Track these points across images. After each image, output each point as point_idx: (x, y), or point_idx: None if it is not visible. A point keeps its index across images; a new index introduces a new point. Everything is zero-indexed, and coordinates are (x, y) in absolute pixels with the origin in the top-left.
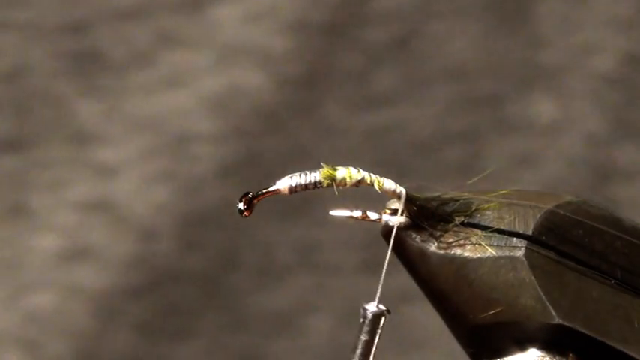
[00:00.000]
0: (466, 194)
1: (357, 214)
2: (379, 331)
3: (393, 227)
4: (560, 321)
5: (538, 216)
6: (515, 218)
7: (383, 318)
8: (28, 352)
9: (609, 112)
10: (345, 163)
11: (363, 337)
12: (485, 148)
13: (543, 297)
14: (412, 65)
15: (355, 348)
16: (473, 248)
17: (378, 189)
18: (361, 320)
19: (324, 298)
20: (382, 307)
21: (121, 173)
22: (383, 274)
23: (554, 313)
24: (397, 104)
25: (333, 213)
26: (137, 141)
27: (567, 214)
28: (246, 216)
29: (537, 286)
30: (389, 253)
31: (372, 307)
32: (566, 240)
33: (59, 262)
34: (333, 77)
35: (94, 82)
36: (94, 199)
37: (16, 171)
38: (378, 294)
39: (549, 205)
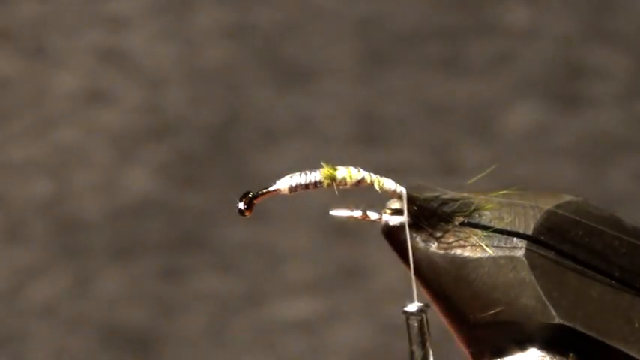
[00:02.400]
0: (466, 194)
1: (358, 213)
2: (426, 327)
3: (393, 227)
4: (561, 321)
5: (538, 216)
6: (515, 218)
7: (424, 314)
8: (55, 180)
9: (581, 15)
10: (334, 47)
11: (415, 339)
12: (464, 46)
13: (543, 297)
14: None
15: (412, 353)
16: (473, 248)
17: (378, 189)
18: (407, 324)
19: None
20: (419, 304)
21: (132, 26)
22: (412, 273)
23: (554, 313)
24: None
25: (333, 213)
26: None
27: (567, 214)
28: (246, 216)
29: (537, 286)
30: (410, 255)
31: (412, 308)
32: (566, 240)
33: (79, 102)
34: None
35: None
36: (108, 47)
37: (37, 15)
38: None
39: (549, 205)
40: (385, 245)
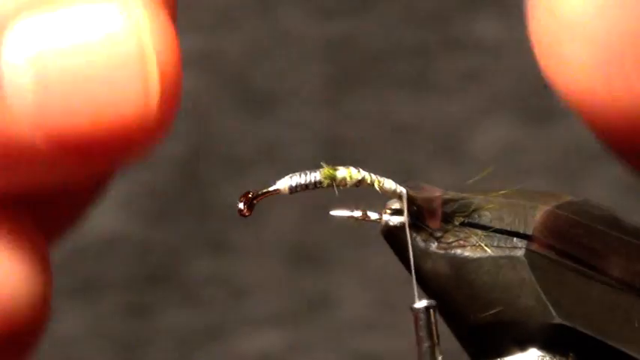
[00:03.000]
0: (466, 194)
1: (357, 214)
2: (434, 324)
3: (393, 227)
4: (560, 321)
5: (538, 216)
6: (515, 218)
7: (432, 310)
8: None
9: None
10: (301, 70)
11: (422, 336)
12: (434, 63)
13: (543, 297)
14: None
15: (420, 353)
16: (473, 248)
17: (378, 189)
18: (414, 321)
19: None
20: (427, 301)
21: None
22: (413, 272)
23: (554, 313)
24: (347, 18)
25: (333, 213)
26: None
27: (567, 214)
28: (246, 215)
29: (537, 286)
30: (411, 252)
31: (419, 305)
32: (567, 240)
33: None
34: None
35: None
36: None
37: None
38: (415, 291)
39: (549, 205)
40: (351, 274)
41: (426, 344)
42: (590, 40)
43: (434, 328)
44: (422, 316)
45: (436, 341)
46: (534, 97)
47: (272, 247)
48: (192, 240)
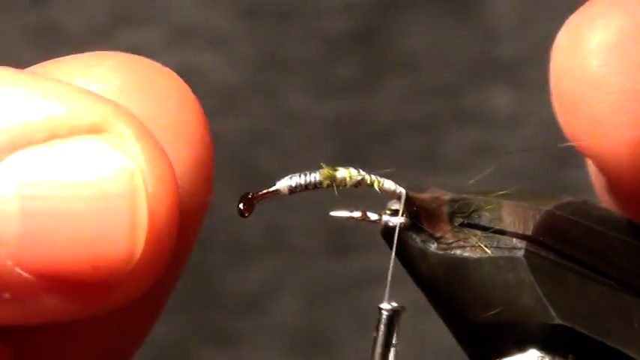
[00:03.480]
0: (465, 195)
1: (357, 214)
2: (396, 330)
3: (392, 228)
4: (560, 321)
5: (538, 217)
6: (514, 219)
7: (397, 315)
8: None
9: None
10: (308, 150)
11: (381, 338)
12: (443, 137)
13: (543, 297)
14: (369, 56)
15: (374, 351)
16: (473, 249)
17: (377, 189)
18: (378, 321)
19: (291, 280)
20: (396, 304)
21: None
22: (389, 275)
23: (553, 314)
24: (354, 94)
25: (333, 214)
26: None
27: (566, 214)
28: (246, 216)
29: (537, 286)
30: (393, 253)
31: (387, 306)
32: (566, 241)
33: None
34: (290, 64)
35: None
36: None
37: None
38: (387, 294)
39: (549, 206)
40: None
41: (381, 346)
42: (615, 97)
43: (394, 331)
44: (386, 318)
45: (393, 346)
46: (549, 171)
47: (277, 336)
48: (197, 331)
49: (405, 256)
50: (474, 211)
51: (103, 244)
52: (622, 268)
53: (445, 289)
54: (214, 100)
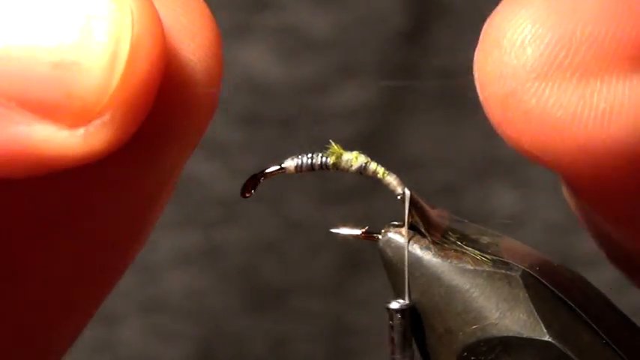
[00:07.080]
0: (468, 221)
1: (357, 232)
2: (408, 326)
3: (392, 239)
4: (551, 339)
5: (534, 256)
6: (511, 252)
7: (407, 312)
8: None
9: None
10: (312, 259)
11: (396, 337)
12: None
13: (536, 313)
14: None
15: (393, 351)
16: (470, 260)
17: (381, 176)
18: (389, 321)
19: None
20: (405, 301)
21: None
22: (406, 273)
23: (545, 330)
24: (356, 198)
25: (334, 230)
26: None
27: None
28: (247, 196)
29: (531, 303)
30: (406, 256)
31: (395, 305)
32: (560, 285)
33: None
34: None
35: None
36: None
37: None
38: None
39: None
40: None
41: (398, 348)
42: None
43: (408, 330)
44: (397, 317)
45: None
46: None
47: None
48: None
49: (400, 267)
50: (473, 235)
51: (78, 70)
52: (609, 329)
53: (439, 299)
54: (216, 210)
